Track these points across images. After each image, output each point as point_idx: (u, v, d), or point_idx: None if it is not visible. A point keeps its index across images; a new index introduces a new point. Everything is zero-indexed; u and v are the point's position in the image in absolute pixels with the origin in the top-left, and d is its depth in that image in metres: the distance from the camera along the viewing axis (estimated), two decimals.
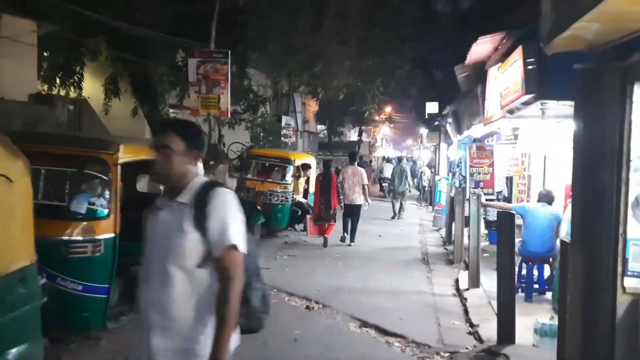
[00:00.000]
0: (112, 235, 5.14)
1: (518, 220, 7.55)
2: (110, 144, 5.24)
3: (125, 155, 5.24)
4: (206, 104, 12.69)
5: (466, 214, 12.62)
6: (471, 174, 12.46)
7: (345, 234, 12.52)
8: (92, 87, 15.74)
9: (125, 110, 15.33)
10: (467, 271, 9.73)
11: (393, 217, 17.98)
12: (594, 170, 3.46)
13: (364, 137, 53.08)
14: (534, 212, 7.78)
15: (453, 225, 13.64)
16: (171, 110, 20.27)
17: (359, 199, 12.61)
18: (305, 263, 10.38)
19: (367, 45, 15.74)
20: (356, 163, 13.67)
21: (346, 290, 8.54)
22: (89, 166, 5.12)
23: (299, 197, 13.34)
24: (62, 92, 15.14)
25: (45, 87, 14.45)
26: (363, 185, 12.67)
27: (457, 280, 9.35)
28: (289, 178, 12.74)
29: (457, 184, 12.90)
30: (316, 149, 41.92)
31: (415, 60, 19.93)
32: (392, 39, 15.77)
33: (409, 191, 19.98)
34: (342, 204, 12.47)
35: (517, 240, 8.24)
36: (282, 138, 19.45)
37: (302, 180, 13.56)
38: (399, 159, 22.31)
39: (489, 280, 8.67)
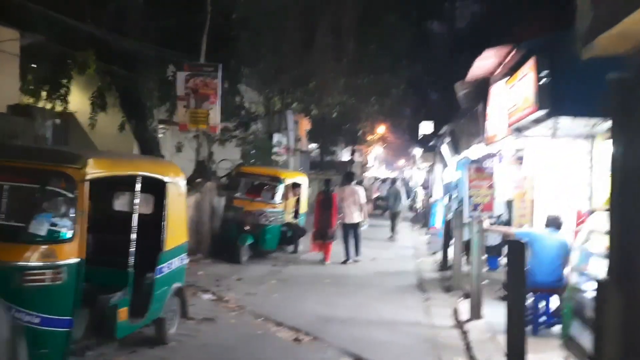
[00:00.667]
0: (77, 260, 4.54)
1: None
2: (76, 157, 4.63)
3: (95, 170, 4.65)
4: (195, 119, 12.16)
5: (464, 238, 12.14)
6: (469, 196, 11.92)
7: (348, 253, 12.70)
8: (79, 102, 15.18)
9: (112, 125, 14.76)
10: (467, 300, 9.18)
11: (390, 238, 17.95)
12: (636, 197, 2.93)
13: (356, 157, 52.69)
14: (541, 238, 7.25)
15: (450, 249, 13.16)
16: (160, 126, 19.75)
17: (357, 218, 12.75)
18: (295, 288, 9.78)
19: (362, 62, 15.32)
20: (353, 183, 13.65)
21: (338, 320, 7.93)
22: (51, 182, 4.51)
23: (290, 218, 12.78)
24: (48, 106, 14.57)
25: (32, 100, 13.88)
26: (361, 205, 12.77)
27: (456, 310, 8.76)
28: (278, 198, 12.19)
29: (454, 207, 12.38)
30: (308, 168, 41.41)
31: (410, 81, 19.53)
32: (388, 56, 15.35)
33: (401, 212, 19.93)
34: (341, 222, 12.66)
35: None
36: (274, 156, 18.90)
37: (292, 200, 13.01)
38: (393, 181, 21.81)
39: (491, 311, 8.12)
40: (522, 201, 11.33)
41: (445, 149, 17.09)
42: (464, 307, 8.70)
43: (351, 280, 10.87)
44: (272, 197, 12.19)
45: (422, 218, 22.45)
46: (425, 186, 23.25)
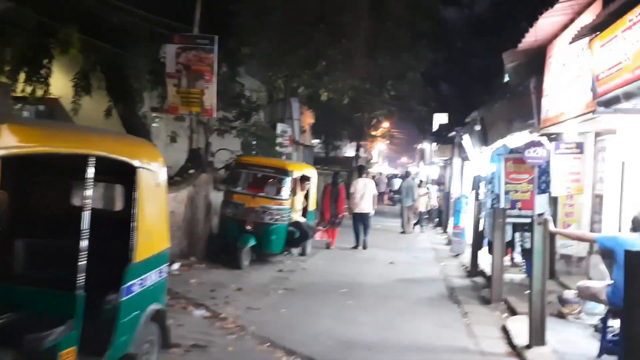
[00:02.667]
0: None
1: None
2: None
3: (12, 143, 2.97)
4: (187, 100, 10.50)
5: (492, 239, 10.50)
6: (506, 192, 10.26)
7: (358, 240, 13.70)
8: (64, 86, 13.54)
9: (99, 111, 13.13)
10: (516, 317, 7.55)
11: (403, 232, 17.90)
12: None
13: (361, 153, 51.08)
14: (632, 245, 5.58)
15: (481, 252, 11.51)
16: (154, 114, 18.12)
17: (369, 208, 13.70)
18: (306, 301, 8.13)
19: (378, 41, 13.66)
20: (365, 175, 14.78)
21: (364, 345, 6.29)
22: None
23: (297, 216, 11.12)
24: (28, 90, 12.93)
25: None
26: (373, 195, 13.81)
27: (506, 330, 7.11)
28: (285, 193, 10.52)
29: (487, 204, 10.72)
30: (312, 164, 39.75)
31: (423, 71, 17.64)
32: (406, 34, 13.71)
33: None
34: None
35: (602, 283, 6.08)
36: (277, 147, 17.22)
37: (300, 196, 11.35)
38: (407, 174, 20.96)
39: (554, 333, 6.49)
40: (569, 197, 9.68)
41: (467, 140, 15.42)
42: (515, 327, 7.07)
43: (371, 290, 9.23)
44: (278, 192, 10.54)
45: (436, 216, 20.86)
46: (440, 182, 21.58)
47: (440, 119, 23.38)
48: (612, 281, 5.78)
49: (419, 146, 58.77)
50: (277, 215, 10.21)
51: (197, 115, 10.87)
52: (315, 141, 47.68)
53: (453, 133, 17.07)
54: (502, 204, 10.27)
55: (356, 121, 41.89)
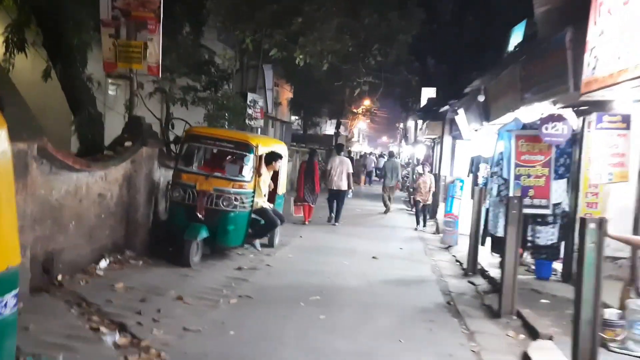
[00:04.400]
0: None
1: None
2: None
3: None
4: (127, 54, 8.46)
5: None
6: (516, 177, 8.45)
7: (332, 214, 14.11)
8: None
9: (37, 72, 10.99)
10: (538, 343, 5.75)
11: (385, 212, 17.56)
12: None
13: (342, 131, 49.18)
14: None
15: (482, 248, 9.74)
16: (110, 81, 16.01)
17: (344, 185, 13.98)
18: (265, 315, 6.21)
19: None
20: (342, 154, 15.11)
21: None
22: None
23: (263, 201, 9.18)
24: None
25: None
26: (348, 174, 13.97)
27: (526, 357, 5.32)
28: (247, 172, 8.55)
29: (493, 191, 8.88)
30: (289, 141, 37.78)
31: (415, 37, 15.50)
32: None
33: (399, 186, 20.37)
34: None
35: None
36: (247, 120, 15.21)
37: (267, 177, 9.39)
38: (390, 154, 20.23)
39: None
40: (592, 186, 7.90)
41: (462, 115, 13.56)
42: (541, 357, 5.30)
43: (350, 296, 7.35)
44: (239, 172, 8.56)
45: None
46: (428, 162, 19.77)
47: (428, 93, 21.47)
48: None
49: (401, 125, 57.17)
50: (237, 201, 8.24)
51: (138, 74, 8.77)
52: (294, 118, 45.68)
53: (445, 108, 15.19)
54: (511, 191, 8.46)
55: (337, 96, 39.98)
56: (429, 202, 14.90)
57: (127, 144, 8.09)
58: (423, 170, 15.51)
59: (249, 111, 15.51)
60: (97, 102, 10.26)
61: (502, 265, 7.02)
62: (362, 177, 34.71)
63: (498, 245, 9.15)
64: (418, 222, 14.94)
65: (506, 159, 8.58)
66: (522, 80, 8.34)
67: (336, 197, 14.00)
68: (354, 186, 16.85)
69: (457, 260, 10.61)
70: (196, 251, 8.09)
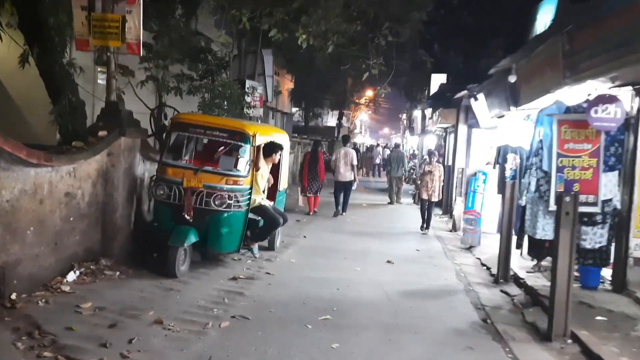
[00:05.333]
0: None
1: None
2: None
3: None
4: (101, 30, 7.19)
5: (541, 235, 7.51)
6: (559, 169, 7.21)
7: (338, 208, 13.91)
8: None
9: (14, 57, 9.76)
10: None
11: (389, 204, 17.56)
12: None
13: (344, 122, 47.92)
14: None
15: (516, 251, 8.53)
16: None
17: (350, 176, 13.88)
18: (263, 344, 4.97)
19: None
20: (348, 145, 14.94)
21: None
22: None
23: (261, 199, 7.95)
24: None
25: None
26: (353, 165, 13.84)
27: None
28: (243, 166, 7.31)
29: (531, 186, 7.62)
30: (290, 133, 36.60)
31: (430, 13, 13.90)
32: None
33: (405, 178, 19.81)
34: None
35: None
36: (245, 109, 13.98)
37: (266, 170, 8.15)
38: (396, 145, 20.55)
39: None
40: None
41: (482, 101, 12.28)
42: None
43: (366, 315, 6.11)
44: (233, 166, 7.33)
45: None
46: (440, 154, 18.51)
47: (438, 79, 20.19)
48: None
49: (403, 116, 55.79)
50: (231, 199, 7.01)
51: (116, 52, 7.50)
52: (295, 109, 44.43)
53: (462, 93, 13.90)
54: (552, 186, 7.23)
55: (339, 86, 38.74)
56: (435, 198, 12.52)
57: (101, 133, 6.84)
58: (430, 159, 12.87)
59: (247, 99, 14.26)
60: (80, 90, 9.07)
61: (552, 277, 5.78)
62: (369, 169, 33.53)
63: (536, 248, 7.94)
64: (423, 224, 12.56)
65: (546, 148, 7.33)
66: (565, 55, 7.06)
67: (342, 189, 13.92)
68: (363, 177, 17.27)
69: (483, 264, 9.39)
70: (183, 259, 6.87)
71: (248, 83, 14.25)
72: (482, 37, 20.95)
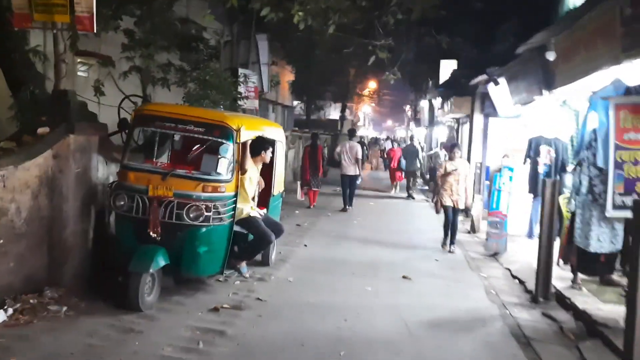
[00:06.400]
0: None
1: None
2: None
3: None
4: (45, 3, 5.77)
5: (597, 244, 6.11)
6: (617, 165, 5.78)
7: (346, 203, 13.65)
8: None
9: None
10: None
11: (407, 198, 17.07)
12: None
13: (347, 115, 46.48)
14: None
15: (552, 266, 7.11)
16: (79, 60, 13.45)
17: (355, 170, 13.65)
18: None
19: None
20: (354, 139, 14.99)
21: None
22: None
23: (249, 207, 6.51)
24: None
25: None
26: (357, 159, 13.63)
27: None
28: (225, 168, 5.89)
29: (583, 186, 6.18)
30: (292, 126, 35.11)
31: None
32: None
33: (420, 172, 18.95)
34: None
35: None
36: (238, 101, 12.55)
37: (254, 173, 6.68)
38: (411, 138, 19.06)
39: None
40: None
41: (503, 86, 10.85)
42: None
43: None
44: (212, 168, 5.90)
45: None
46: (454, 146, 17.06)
47: (449, 66, 18.70)
48: None
49: (407, 107, 54.26)
50: (210, 210, 5.58)
51: (65, 29, 6.08)
52: (296, 102, 42.96)
53: (480, 78, 12.46)
54: (610, 186, 5.80)
55: (342, 77, 37.27)
56: (462, 205, 9.64)
57: (41, 130, 5.43)
58: (451, 153, 9.84)
59: (241, 89, 12.81)
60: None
61: (629, 307, 4.37)
62: (377, 162, 32.00)
63: (588, 263, 6.50)
64: (446, 239, 9.69)
65: (601, 139, 5.88)
66: (624, 22, 5.64)
67: (348, 182, 13.68)
68: (371, 171, 17.36)
69: (513, 276, 7.98)
70: (150, 287, 5.46)
71: (241, 72, 12.83)
72: (492, 22, 19.57)
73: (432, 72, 24.81)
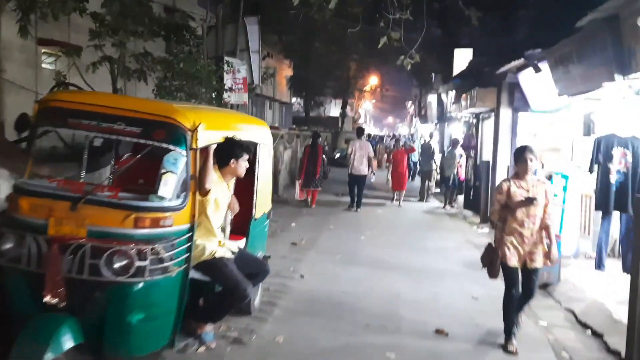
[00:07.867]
0: None
1: None
2: None
3: None
4: None
5: None
6: None
7: (354, 203, 13.51)
8: None
9: None
10: None
11: (420, 200, 16.20)
12: None
13: (348, 111, 44.59)
14: None
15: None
16: (44, 50, 11.69)
17: (365, 170, 13.54)
18: None
19: None
20: (363, 138, 14.78)
21: None
22: None
23: (214, 243, 4.40)
24: None
25: None
26: (369, 158, 13.58)
27: None
28: (172, 189, 3.79)
29: None
30: (290, 124, 33.20)
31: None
32: None
33: (437, 173, 17.36)
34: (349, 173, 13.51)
35: None
36: (225, 95, 10.56)
37: (221, 192, 4.54)
38: (430, 136, 18.34)
39: None
40: None
41: (543, 75, 8.79)
42: None
43: None
44: (154, 187, 3.83)
45: (471, 195, 14.50)
46: (470, 146, 15.08)
47: (464, 55, 16.65)
48: None
49: (409, 103, 52.24)
50: (145, 259, 3.52)
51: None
52: (295, 99, 41.10)
53: (510, 65, 10.38)
54: None
55: (343, 71, 35.36)
56: (540, 263, 5.19)
57: None
58: (520, 164, 5.08)
59: (226, 80, 10.77)
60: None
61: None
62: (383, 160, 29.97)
63: None
64: (511, 327, 5.36)
65: None
66: None
67: (357, 182, 13.55)
68: (377, 170, 16.63)
69: (581, 323, 5.93)
70: None
71: (226, 59, 10.80)
72: (506, 10, 17.70)
73: (442, 64, 22.83)
